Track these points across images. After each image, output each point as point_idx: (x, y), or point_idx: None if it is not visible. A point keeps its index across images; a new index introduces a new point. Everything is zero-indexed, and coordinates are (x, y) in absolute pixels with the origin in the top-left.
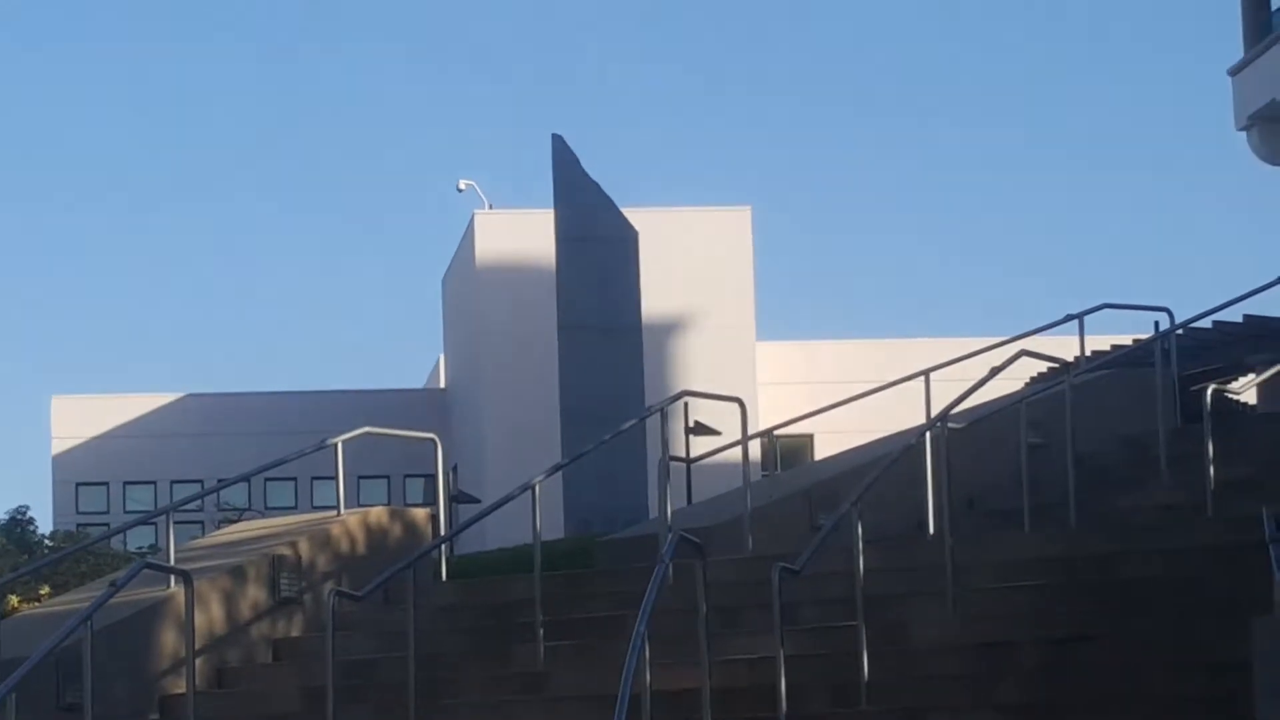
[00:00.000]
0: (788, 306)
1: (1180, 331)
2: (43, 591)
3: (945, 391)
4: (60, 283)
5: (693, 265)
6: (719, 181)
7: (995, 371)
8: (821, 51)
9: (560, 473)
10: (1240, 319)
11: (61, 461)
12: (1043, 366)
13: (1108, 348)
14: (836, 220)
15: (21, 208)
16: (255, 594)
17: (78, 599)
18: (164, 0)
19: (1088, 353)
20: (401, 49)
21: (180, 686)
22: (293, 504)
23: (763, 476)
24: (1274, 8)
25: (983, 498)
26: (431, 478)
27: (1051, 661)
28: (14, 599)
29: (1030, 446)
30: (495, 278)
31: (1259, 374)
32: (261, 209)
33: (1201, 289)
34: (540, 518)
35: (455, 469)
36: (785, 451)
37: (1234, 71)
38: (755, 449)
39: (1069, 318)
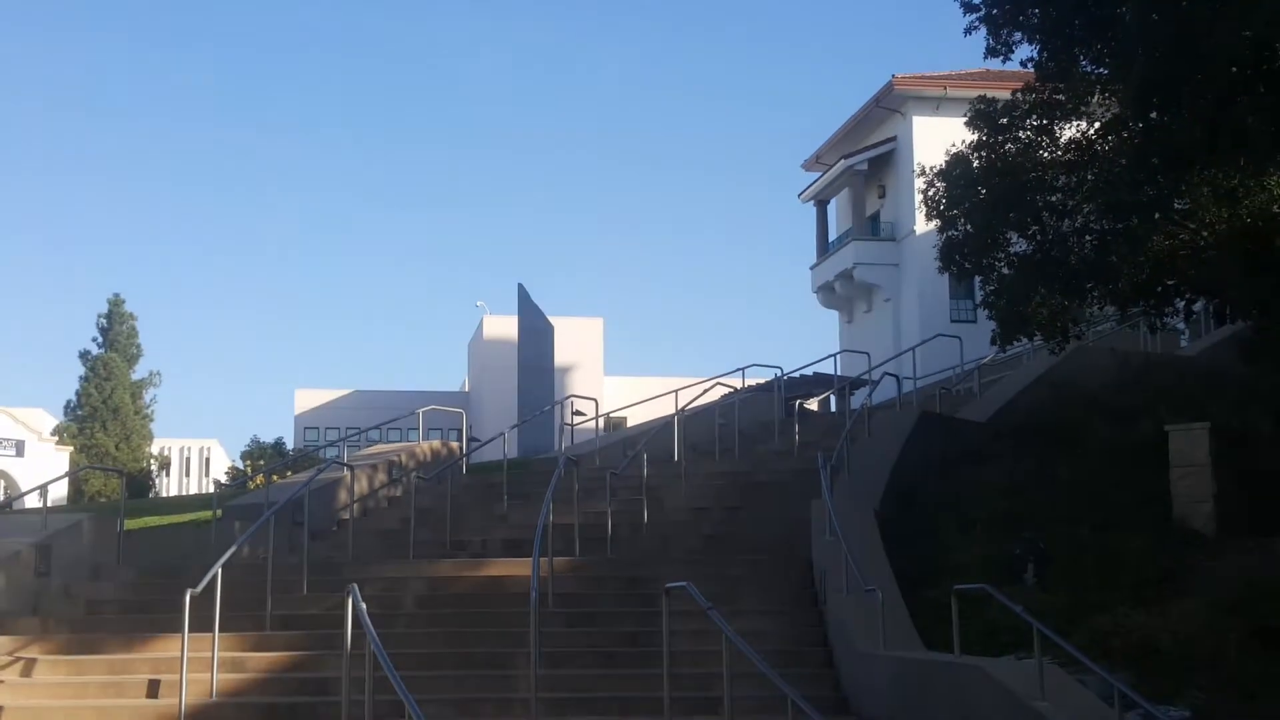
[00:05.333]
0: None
1: (785, 376)
2: (289, 475)
3: (687, 398)
4: None
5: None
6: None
7: (705, 391)
8: None
9: (517, 428)
10: (811, 373)
11: (301, 419)
12: (727, 389)
13: (756, 383)
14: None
15: None
16: (381, 477)
17: (301, 478)
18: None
19: (748, 384)
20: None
21: (345, 515)
22: (402, 439)
23: (604, 433)
24: (831, 239)
25: (697, 445)
26: (459, 431)
27: (725, 518)
28: (275, 477)
29: (719, 424)
30: (497, 345)
31: (814, 397)
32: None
33: (795, 359)
34: (507, 448)
35: (470, 426)
36: (615, 423)
37: (813, 266)
38: (602, 421)
39: (739, 369)
